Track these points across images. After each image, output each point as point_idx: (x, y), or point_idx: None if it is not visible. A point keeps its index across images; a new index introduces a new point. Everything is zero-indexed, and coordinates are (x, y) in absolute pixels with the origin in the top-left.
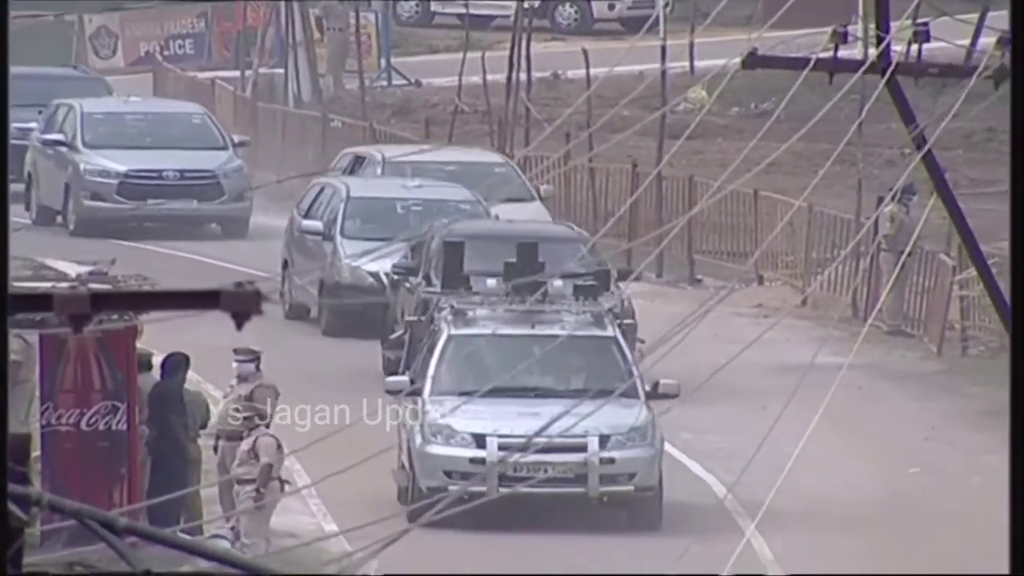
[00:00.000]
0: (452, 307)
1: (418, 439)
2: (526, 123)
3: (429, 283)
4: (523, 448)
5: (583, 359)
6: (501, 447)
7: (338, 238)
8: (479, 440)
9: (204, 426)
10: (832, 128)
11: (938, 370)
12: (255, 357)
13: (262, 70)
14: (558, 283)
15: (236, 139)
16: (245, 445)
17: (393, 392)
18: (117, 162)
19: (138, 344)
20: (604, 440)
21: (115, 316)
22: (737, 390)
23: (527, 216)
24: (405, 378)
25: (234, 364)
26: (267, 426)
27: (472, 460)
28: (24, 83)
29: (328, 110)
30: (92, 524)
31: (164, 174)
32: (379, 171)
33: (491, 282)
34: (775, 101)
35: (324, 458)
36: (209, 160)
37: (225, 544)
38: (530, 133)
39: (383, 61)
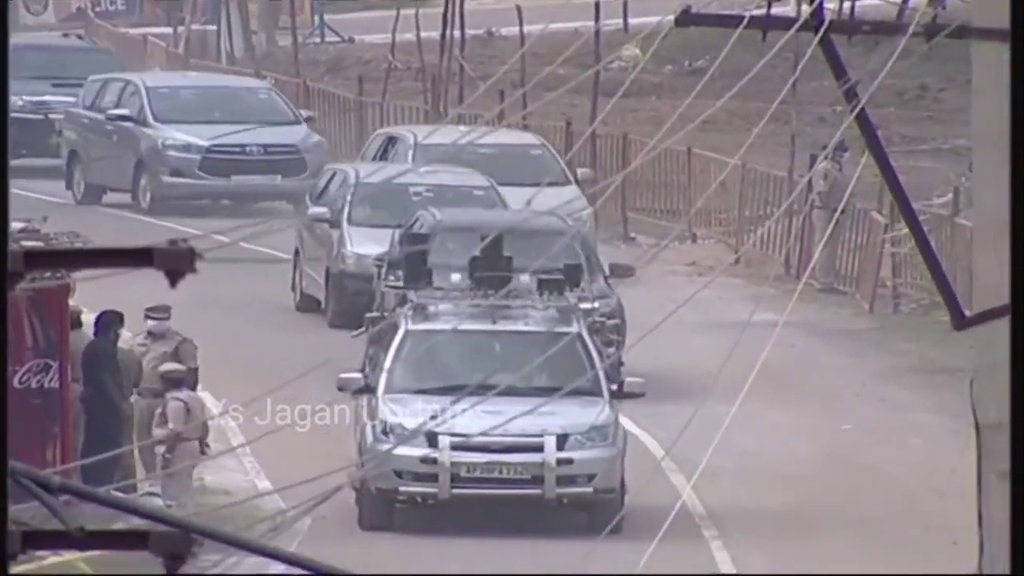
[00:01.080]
0: (411, 302)
1: (369, 438)
2: (460, 81)
3: (396, 276)
4: (475, 446)
5: (550, 356)
6: (454, 447)
7: (344, 225)
8: (431, 439)
9: (136, 384)
10: (766, 86)
11: (870, 327)
12: (168, 314)
13: (194, 27)
14: (525, 278)
15: (304, 114)
16: (162, 408)
17: (345, 389)
18: (196, 137)
19: (71, 302)
20: (562, 440)
21: (48, 274)
22: (671, 349)
23: (561, 201)
24: (358, 375)
25: (148, 322)
26: (194, 385)
27: (423, 460)
28: (28, 55)
29: (261, 67)
30: (26, 482)
31: (247, 149)
32: (410, 155)
33: (456, 276)
34: (709, 59)
35: (258, 415)
36: (290, 135)
37: (159, 502)
38: (464, 91)
39: (316, 17)
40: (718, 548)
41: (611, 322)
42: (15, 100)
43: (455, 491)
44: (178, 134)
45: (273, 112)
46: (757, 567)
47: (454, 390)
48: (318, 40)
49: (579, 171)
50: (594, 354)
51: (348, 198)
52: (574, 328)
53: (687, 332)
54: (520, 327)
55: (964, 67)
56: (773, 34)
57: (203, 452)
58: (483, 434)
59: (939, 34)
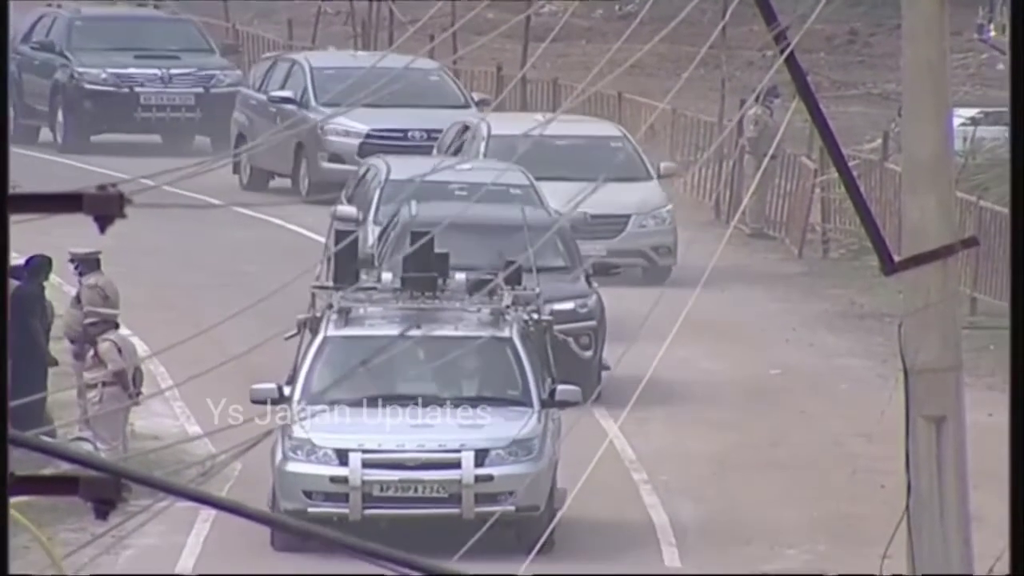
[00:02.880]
0: (332, 305)
1: (278, 455)
2: (390, 25)
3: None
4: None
5: (476, 363)
6: (366, 464)
7: (369, 225)
8: (342, 456)
9: (48, 329)
10: (695, 30)
11: (799, 272)
12: (93, 259)
13: None
14: (460, 277)
15: (477, 97)
16: (92, 351)
17: (258, 401)
18: (358, 121)
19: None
20: (481, 455)
21: None
22: (601, 293)
23: (637, 198)
24: (271, 385)
25: (71, 267)
26: (116, 325)
27: (333, 479)
28: (107, 25)
29: (187, 10)
30: None
31: (409, 134)
32: (482, 148)
33: (387, 276)
34: (639, 3)
35: (188, 362)
36: (454, 119)
37: (88, 447)
38: (394, 35)
39: None
40: (647, 492)
41: (586, 324)
42: (98, 73)
43: (367, 511)
44: (340, 118)
45: (443, 95)
46: (686, 511)
47: (372, 402)
48: None
49: (662, 165)
50: (525, 361)
51: (375, 196)
52: (504, 332)
53: (616, 277)
54: (446, 332)
55: (894, 12)
56: None
57: (133, 396)
58: (394, 450)
59: None
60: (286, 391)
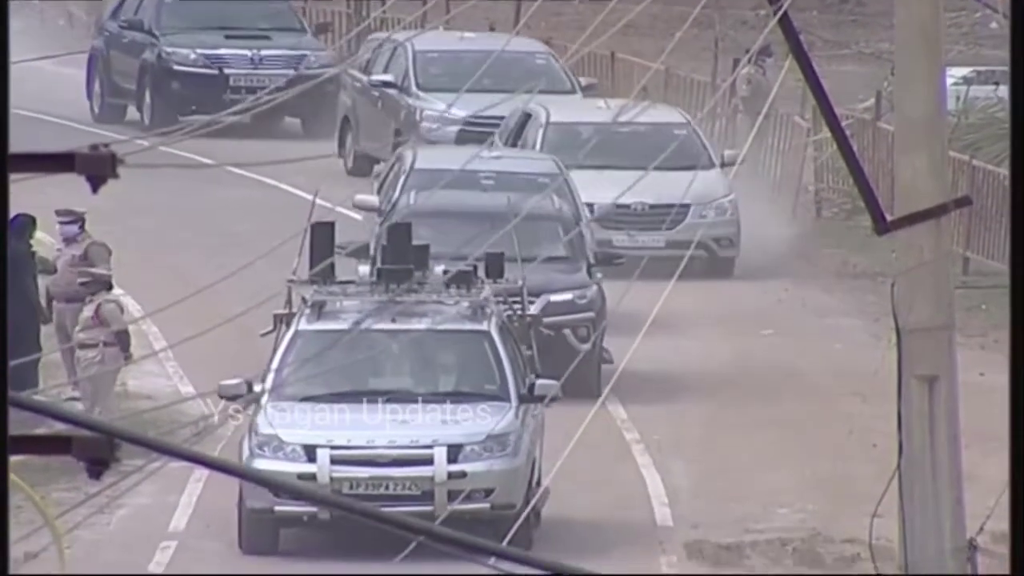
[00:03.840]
0: (304, 299)
1: (245, 451)
2: None
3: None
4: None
5: (453, 357)
6: (334, 460)
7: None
8: (310, 453)
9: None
10: None
11: (792, 232)
12: (78, 218)
13: None
14: (439, 269)
15: (584, 81)
16: (88, 311)
17: (226, 397)
18: (456, 107)
19: None
20: (454, 451)
21: None
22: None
23: (698, 187)
24: (240, 380)
25: (57, 226)
26: (109, 287)
27: (301, 476)
28: (196, 5)
29: None
30: None
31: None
32: (540, 136)
33: (363, 269)
34: None
35: (181, 323)
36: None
37: (80, 407)
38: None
39: None
40: (640, 451)
41: (584, 316)
42: (187, 54)
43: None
44: (439, 104)
45: (550, 80)
46: (678, 470)
47: (344, 397)
48: None
49: (726, 152)
50: (503, 354)
51: (400, 185)
52: (482, 326)
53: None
54: (421, 325)
55: None
56: None
57: (129, 358)
58: (364, 446)
59: None
60: (256, 387)
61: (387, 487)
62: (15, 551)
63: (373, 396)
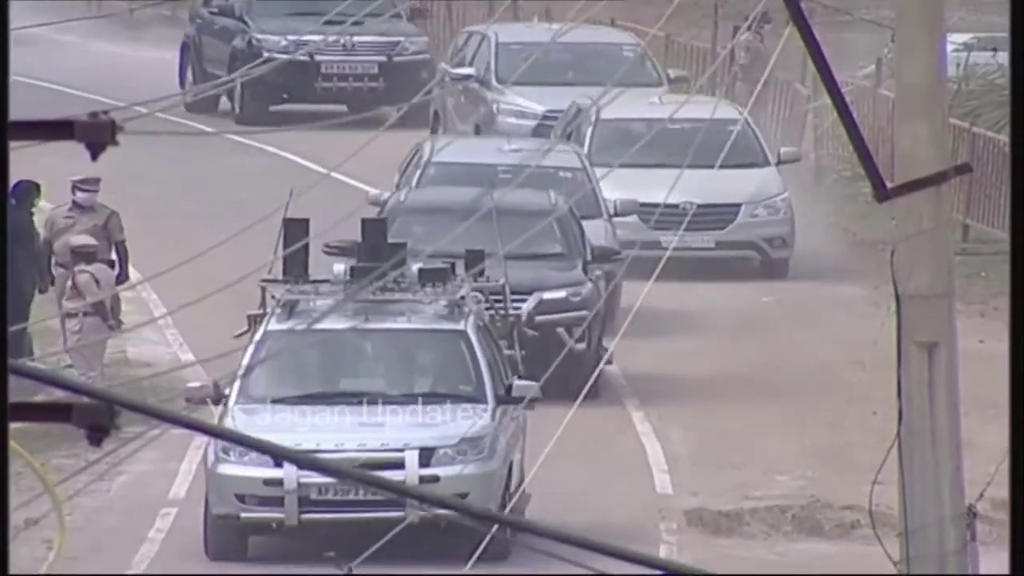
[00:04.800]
0: (276, 298)
1: (210, 456)
2: None
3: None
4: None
5: (428, 357)
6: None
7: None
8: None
9: (38, 255)
10: None
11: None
12: (97, 187)
13: None
14: (415, 268)
15: (672, 74)
16: (70, 282)
17: (192, 400)
18: (535, 101)
19: None
20: (426, 455)
21: None
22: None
23: (750, 185)
24: (207, 383)
25: (78, 194)
26: (125, 258)
27: (267, 482)
28: None
29: None
30: None
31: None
32: (590, 132)
33: (338, 268)
34: None
35: (180, 289)
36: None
37: (76, 374)
38: None
39: None
40: (640, 419)
41: (578, 314)
42: (278, 40)
43: (304, 516)
44: (516, 98)
45: (635, 72)
46: (678, 438)
47: (314, 399)
48: None
49: (782, 150)
50: (479, 355)
51: (417, 178)
52: (459, 325)
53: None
54: (394, 325)
55: None
56: None
57: (114, 326)
58: (333, 450)
59: None
60: (224, 389)
61: (357, 492)
62: (15, 518)
63: (345, 398)
